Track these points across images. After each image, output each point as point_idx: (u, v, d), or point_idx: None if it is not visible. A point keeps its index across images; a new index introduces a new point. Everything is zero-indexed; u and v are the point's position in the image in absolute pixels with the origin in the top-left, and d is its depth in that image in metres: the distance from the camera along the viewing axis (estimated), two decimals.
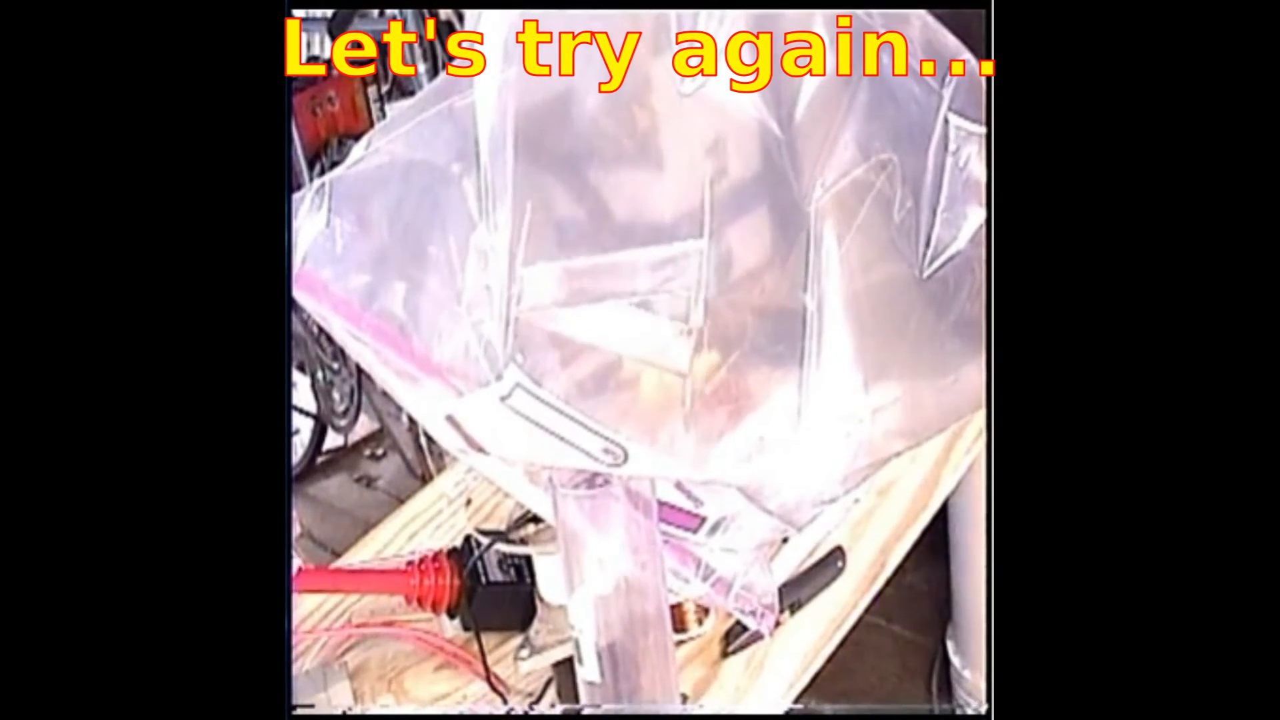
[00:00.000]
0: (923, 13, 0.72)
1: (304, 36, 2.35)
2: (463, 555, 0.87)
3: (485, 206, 0.62)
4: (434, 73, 2.08)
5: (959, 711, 1.69)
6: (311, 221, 0.67)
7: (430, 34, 2.08)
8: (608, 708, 0.70)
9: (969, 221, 0.70)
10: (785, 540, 0.90)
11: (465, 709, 0.85)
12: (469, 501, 1.02)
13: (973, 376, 0.70)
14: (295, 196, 0.68)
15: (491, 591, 0.86)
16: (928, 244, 0.70)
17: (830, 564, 0.92)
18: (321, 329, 2.20)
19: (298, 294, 0.67)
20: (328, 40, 2.27)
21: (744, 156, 0.67)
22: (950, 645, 1.70)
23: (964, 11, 0.72)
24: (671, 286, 0.63)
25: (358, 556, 1.00)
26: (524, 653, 0.84)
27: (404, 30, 2.07)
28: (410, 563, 0.87)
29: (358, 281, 0.66)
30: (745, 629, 0.85)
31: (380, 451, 2.52)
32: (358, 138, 0.71)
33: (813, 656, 0.87)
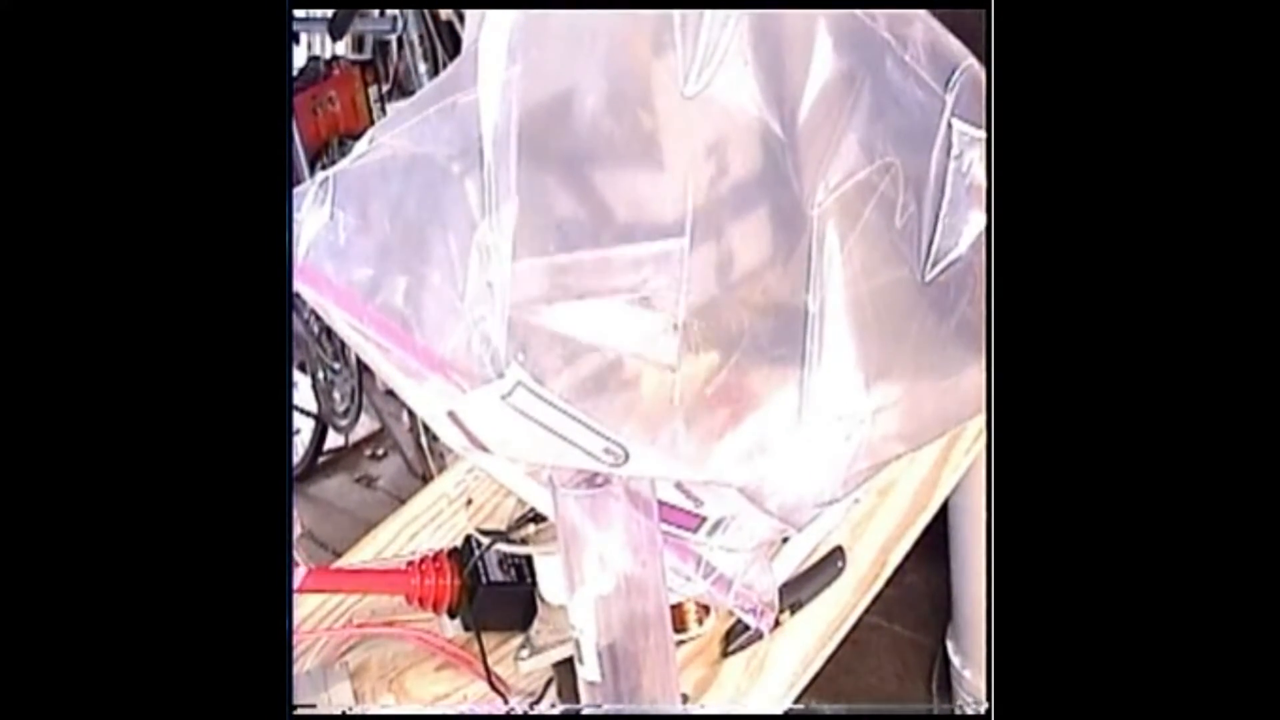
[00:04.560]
0: (926, 15, 0.72)
1: (304, 37, 2.36)
2: (463, 555, 0.87)
3: (488, 205, 0.62)
4: (434, 73, 2.08)
5: (959, 711, 1.69)
6: (315, 215, 0.67)
7: (431, 34, 2.08)
8: (608, 708, 0.70)
9: (971, 226, 0.70)
10: (785, 540, 0.90)
11: (465, 709, 0.85)
12: (470, 501, 1.02)
13: (973, 381, 0.70)
14: (298, 190, 0.68)
15: (492, 591, 0.86)
16: (929, 248, 0.70)
17: (830, 564, 0.92)
18: (323, 328, 2.21)
19: (300, 286, 0.67)
20: (328, 40, 2.28)
21: (745, 157, 0.67)
22: (950, 645, 1.70)
23: (964, 11, 0.72)
24: (655, 285, 0.63)
25: (358, 556, 1.00)
26: (524, 653, 0.84)
27: (405, 30, 2.08)
28: (411, 563, 0.87)
29: (360, 275, 0.66)
30: (745, 629, 0.85)
31: (381, 451, 2.52)
32: (358, 138, 0.71)
33: (813, 656, 0.87)
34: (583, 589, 0.69)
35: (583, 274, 0.62)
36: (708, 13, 0.64)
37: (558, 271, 0.62)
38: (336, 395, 2.28)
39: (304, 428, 2.41)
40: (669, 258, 0.63)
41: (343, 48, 2.29)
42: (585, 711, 0.72)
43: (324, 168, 0.69)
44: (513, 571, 0.87)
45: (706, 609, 0.86)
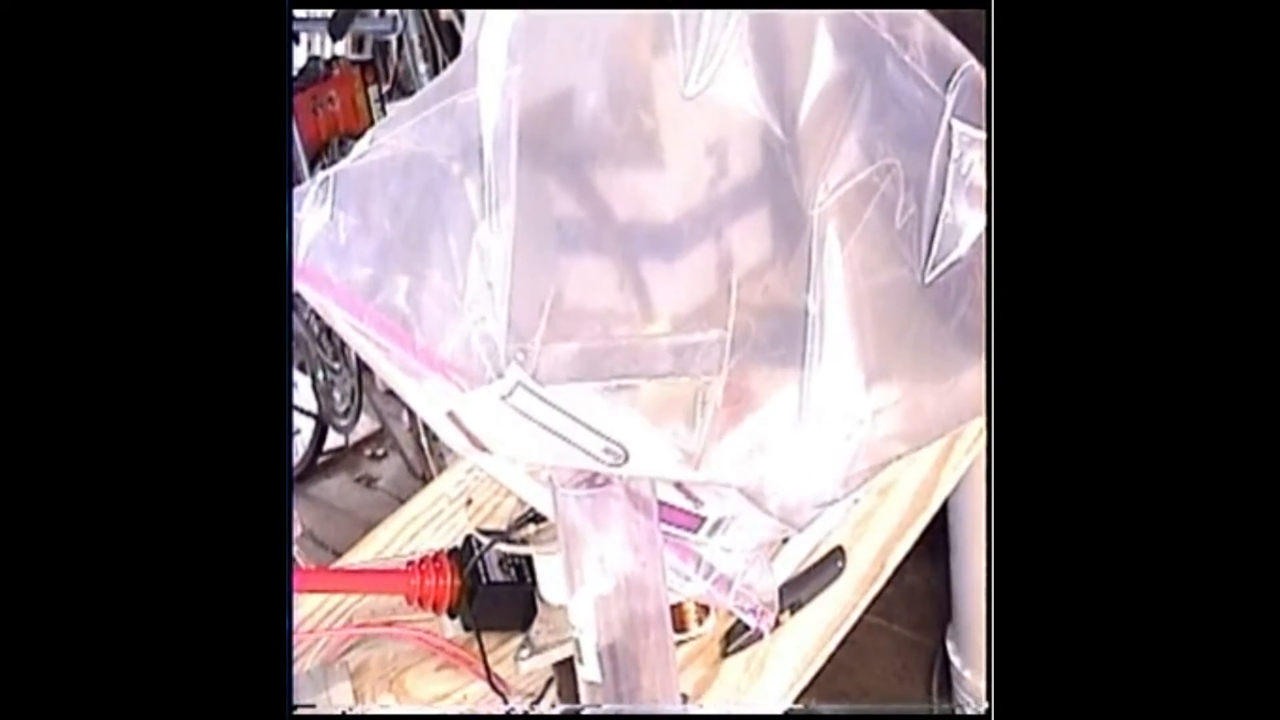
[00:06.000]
0: (926, 15, 0.72)
1: (304, 37, 2.36)
2: (463, 555, 0.87)
3: (488, 205, 0.62)
4: (434, 73, 2.08)
5: (959, 711, 1.69)
6: (315, 214, 0.67)
7: (431, 34, 2.08)
8: (608, 708, 0.70)
9: (971, 227, 0.70)
10: (785, 540, 0.90)
11: (465, 709, 0.85)
12: (469, 501, 1.02)
13: (973, 382, 0.70)
14: (299, 190, 0.68)
15: (492, 591, 0.86)
16: (929, 249, 0.70)
17: (830, 564, 0.92)
18: (323, 328, 2.21)
19: (300, 286, 0.67)
20: (328, 40, 2.28)
21: (745, 158, 0.67)
22: (950, 645, 1.70)
23: (964, 12, 0.72)
24: (691, 371, 0.63)
25: (358, 556, 1.00)
26: (524, 653, 0.84)
27: (405, 30, 2.08)
28: (411, 563, 0.87)
29: (360, 274, 0.66)
30: (745, 629, 0.85)
31: (381, 452, 2.52)
32: (358, 138, 0.71)
33: (813, 656, 0.87)
34: (583, 589, 0.69)
35: (619, 359, 0.62)
36: (708, 13, 0.64)
37: (590, 354, 0.62)
38: (336, 395, 2.28)
39: (304, 428, 2.41)
40: (711, 347, 0.63)
41: (343, 48, 2.29)
42: (585, 711, 0.72)
43: (324, 168, 0.69)
44: (513, 571, 0.87)
45: (706, 609, 0.86)
